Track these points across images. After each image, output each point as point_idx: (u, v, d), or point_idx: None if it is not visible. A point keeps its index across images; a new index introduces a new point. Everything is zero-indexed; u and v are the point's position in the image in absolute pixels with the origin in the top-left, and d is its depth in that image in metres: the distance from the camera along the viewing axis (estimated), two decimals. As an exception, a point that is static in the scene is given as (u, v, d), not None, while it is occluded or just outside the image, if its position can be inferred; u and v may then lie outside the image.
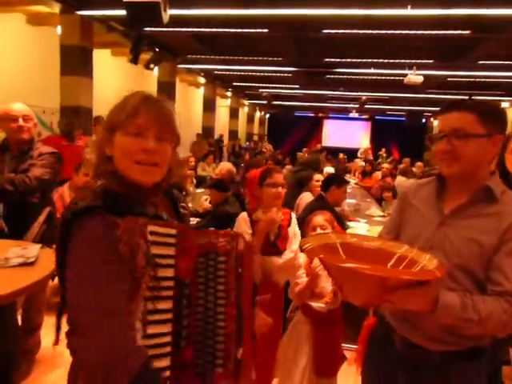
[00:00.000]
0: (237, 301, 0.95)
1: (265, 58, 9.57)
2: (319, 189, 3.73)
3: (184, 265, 0.91)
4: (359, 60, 8.98)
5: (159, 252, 0.88)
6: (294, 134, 20.81)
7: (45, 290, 2.59)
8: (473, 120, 1.17)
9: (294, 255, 2.16)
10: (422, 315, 1.13)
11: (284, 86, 13.81)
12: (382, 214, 4.98)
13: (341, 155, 12.66)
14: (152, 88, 10.33)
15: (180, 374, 0.88)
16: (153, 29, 6.75)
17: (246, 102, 19.92)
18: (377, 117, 21.18)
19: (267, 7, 5.78)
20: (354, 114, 19.48)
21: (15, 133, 2.47)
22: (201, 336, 0.91)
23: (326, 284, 2.07)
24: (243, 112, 20.24)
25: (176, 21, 5.34)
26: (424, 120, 18.66)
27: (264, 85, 14.21)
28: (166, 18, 4.36)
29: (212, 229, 3.68)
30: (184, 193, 5.06)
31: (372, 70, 9.55)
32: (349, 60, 9.12)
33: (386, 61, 8.79)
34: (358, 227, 4.08)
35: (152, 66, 8.83)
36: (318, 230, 2.17)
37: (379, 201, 6.06)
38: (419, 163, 9.57)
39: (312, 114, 22.26)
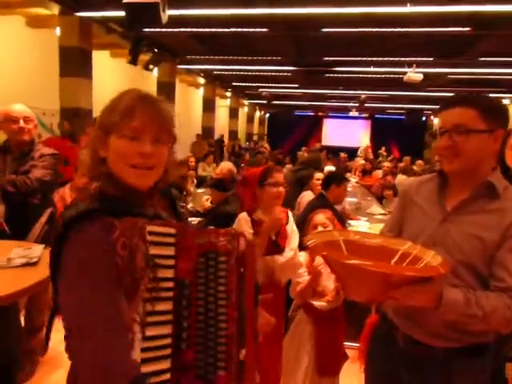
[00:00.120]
0: (238, 301, 0.93)
1: (264, 58, 9.57)
2: (320, 187, 3.73)
3: (184, 265, 0.90)
4: (359, 58, 8.98)
5: (159, 252, 0.87)
6: (294, 134, 20.81)
7: (48, 291, 2.59)
8: (474, 116, 1.16)
9: (294, 253, 2.16)
10: (425, 312, 1.13)
11: (283, 85, 13.81)
12: (382, 212, 4.99)
13: (342, 154, 12.65)
14: (152, 89, 10.32)
15: (180, 376, 0.87)
16: (152, 29, 6.75)
17: (246, 102, 19.92)
18: (377, 115, 21.18)
19: (266, 6, 5.78)
20: (354, 113, 19.48)
21: (16, 134, 2.48)
22: (202, 338, 0.90)
23: (328, 282, 2.08)
24: (243, 112, 20.24)
25: (175, 21, 5.34)
26: (424, 118, 18.67)
27: (263, 84, 14.21)
28: (164, 18, 4.36)
29: (212, 227, 3.68)
30: (185, 193, 5.06)
31: (372, 69, 9.55)
32: (348, 58, 9.11)
33: (385, 59, 8.79)
34: (359, 225, 4.08)
35: (151, 66, 8.83)
36: (319, 229, 2.17)
37: (380, 199, 6.06)
38: (420, 161, 9.57)
39: (312, 113, 22.26)
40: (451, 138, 1.18)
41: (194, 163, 6.90)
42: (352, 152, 13.81)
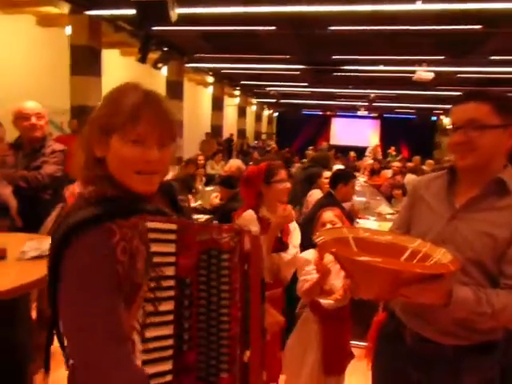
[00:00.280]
0: (242, 300, 0.90)
1: (272, 56, 9.56)
2: (328, 186, 3.72)
3: (185, 263, 0.87)
4: (367, 57, 8.93)
5: (159, 250, 0.84)
6: (302, 133, 20.77)
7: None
8: (489, 111, 1.16)
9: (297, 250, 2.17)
10: (434, 309, 1.13)
11: (292, 84, 13.79)
12: (391, 211, 4.96)
13: (351, 154, 12.60)
14: (160, 87, 10.38)
15: (182, 378, 0.85)
16: (161, 28, 6.79)
17: (254, 101, 19.92)
18: (385, 115, 21.04)
19: (274, 5, 5.77)
20: (363, 112, 19.37)
21: (28, 131, 2.51)
22: (204, 339, 0.87)
23: (336, 281, 2.07)
24: (251, 111, 20.25)
25: (184, 19, 5.36)
26: (434, 118, 18.51)
27: (272, 83, 14.21)
28: (174, 16, 4.39)
29: (215, 222, 3.70)
30: (193, 190, 5.08)
31: (381, 67, 9.49)
32: (357, 57, 9.07)
33: (394, 57, 8.72)
34: (368, 224, 4.06)
35: (160, 65, 8.88)
36: (328, 226, 2.17)
37: (389, 199, 6.03)
38: (430, 161, 9.49)
39: (320, 113, 22.19)
40: (466, 133, 1.17)
41: (202, 161, 6.93)
42: (361, 151, 13.74)
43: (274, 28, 6.95)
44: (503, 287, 1.12)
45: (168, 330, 0.84)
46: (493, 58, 8.27)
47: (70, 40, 6.93)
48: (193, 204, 4.64)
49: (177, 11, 4.45)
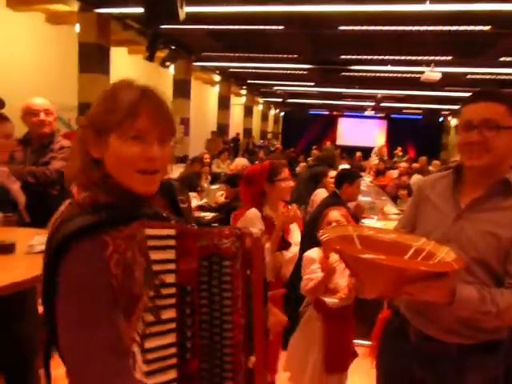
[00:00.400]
0: (245, 307, 0.88)
1: (280, 56, 9.56)
2: (333, 185, 3.72)
3: (185, 269, 0.84)
4: (375, 57, 8.90)
5: (159, 257, 0.81)
6: (308, 132, 20.74)
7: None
8: (504, 111, 1.16)
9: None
10: (438, 308, 1.13)
11: (299, 83, 13.78)
12: (397, 211, 4.95)
13: (358, 154, 12.57)
14: (168, 86, 10.43)
15: None
16: (169, 26, 6.81)
17: (261, 100, 19.93)
18: (392, 115, 20.95)
19: (283, 4, 5.77)
20: (370, 112, 19.30)
21: (37, 127, 2.54)
22: (207, 347, 0.85)
23: (341, 280, 2.08)
24: (257, 110, 20.26)
25: (192, 18, 5.38)
26: (441, 119, 18.40)
27: (279, 82, 14.20)
28: (182, 14, 4.41)
29: (215, 225, 3.70)
30: (199, 189, 5.11)
31: (388, 67, 9.45)
32: (365, 57, 9.04)
33: (403, 58, 8.69)
34: (373, 224, 4.06)
35: (168, 63, 8.92)
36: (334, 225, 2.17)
37: (394, 199, 6.01)
38: (436, 162, 9.44)
39: (327, 112, 22.14)
40: (481, 133, 1.16)
41: (208, 160, 6.96)
42: (367, 152, 13.70)
43: (282, 27, 6.95)
44: (508, 286, 1.12)
45: (170, 339, 0.82)
46: (503, 59, 8.20)
47: (79, 37, 6.98)
48: (198, 202, 4.67)
49: (185, 10, 4.47)
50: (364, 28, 6.70)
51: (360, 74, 10.62)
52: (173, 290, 0.82)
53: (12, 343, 1.80)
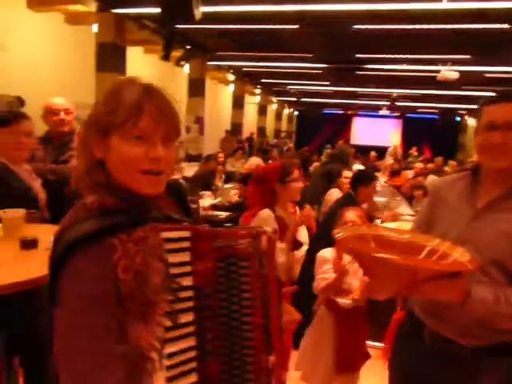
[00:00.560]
0: (263, 306, 0.87)
1: (295, 55, 9.55)
2: (348, 186, 3.71)
3: (202, 272, 0.83)
4: (391, 56, 8.81)
5: (174, 260, 0.80)
6: (322, 132, 20.65)
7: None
8: None
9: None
10: (453, 309, 1.13)
11: (313, 82, 13.72)
12: (411, 212, 4.91)
13: (372, 153, 12.46)
14: (183, 85, 10.51)
15: None
16: (184, 26, 6.87)
17: (275, 99, 19.91)
18: (408, 114, 20.71)
19: (297, 3, 5.76)
20: (385, 112, 19.11)
21: (57, 126, 2.60)
22: (227, 349, 0.84)
23: (354, 281, 2.08)
24: (271, 109, 20.25)
25: (207, 17, 5.42)
26: (458, 118, 18.10)
27: (293, 81, 14.17)
28: (198, 14, 4.44)
29: (228, 225, 3.70)
30: (213, 187, 5.15)
31: (404, 66, 9.35)
32: (380, 56, 8.96)
33: (419, 56, 8.58)
34: (387, 224, 4.03)
35: (183, 62, 8.99)
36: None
37: (409, 199, 5.95)
38: (452, 162, 9.31)
39: (341, 112, 22.00)
40: (504, 134, 1.15)
41: (222, 158, 7.00)
42: (382, 151, 13.59)
43: (296, 26, 6.93)
44: None
45: (190, 342, 0.81)
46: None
47: (97, 37, 7.09)
48: (212, 201, 4.71)
49: (201, 9, 4.50)
50: (379, 27, 6.64)
51: (375, 72, 10.52)
52: (190, 293, 0.82)
53: (31, 334, 1.85)
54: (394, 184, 7.81)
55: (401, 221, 4.40)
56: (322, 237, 2.69)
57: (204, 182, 5.23)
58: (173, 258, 0.80)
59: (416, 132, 18.70)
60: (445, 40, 7.43)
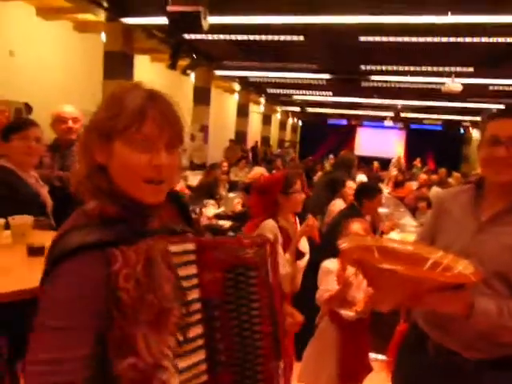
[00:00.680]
0: (271, 315, 0.87)
1: (300, 65, 9.63)
2: (352, 197, 3.70)
3: (209, 284, 0.82)
4: (396, 67, 8.88)
5: (181, 274, 0.79)
6: (326, 142, 20.70)
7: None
8: None
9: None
10: (457, 321, 1.14)
11: (318, 92, 13.82)
12: (415, 224, 4.91)
13: (375, 164, 12.46)
14: (188, 93, 10.61)
15: None
16: (192, 36, 6.96)
17: (279, 109, 20.02)
18: (412, 126, 20.75)
19: (304, 15, 5.84)
20: (389, 123, 19.17)
21: (65, 133, 2.64)
22: (238, 359, 0.84)
23: (357, 293, 2.07)
24: (275, 118, 20.35)
25: (214, 28, 5.49)
26: (462, 130, 18.14)
27: (298, 91, 14.27)
28: (206, 25, 4.51)
29: (233, 235, 3.70)
30: (217, 196, 5.16)
31: (408, 78, 9.41)
32: (385, 67, 9.03)
33: (423, 69, 8.64)
34: (391, 235, 4.03)
35: (189, 71, 9.08)
36: None
37: (413, 211, 5.95)
38: (457, 174, 9.30)
39: (345, 122, 22.08)
40: (508, 148, 1.16)
41: (226, 168, 7.02)
42: (386, 162, 13.59)
43: (302, 38, 7.01)
44: None
45: (200, 356, 0.80)
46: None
47: (105, 46, 7.20)
48: (216, 210, 4.72)
49: (208, 21, 4.57)
50: (384, 39, 6.71)
51: (380, 84, 10.59)
52: (198, 306, 0.81)
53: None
54: (398, 195, 7.81)
55: (405, 232, 4.40)
56: (325, 247, 2.69)
57: (208, 190, 5.25)
58: (179, 272, 0.79)
59: (420, 143, 18.72)
60: (449, 52, 7.49)
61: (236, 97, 14.60)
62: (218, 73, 11.25)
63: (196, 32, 4.81)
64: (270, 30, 6.74)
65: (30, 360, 0.69)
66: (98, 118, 0.82)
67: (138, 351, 0.71)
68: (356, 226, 2.21)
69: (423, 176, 8.33)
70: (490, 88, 9.98)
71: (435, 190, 6.81)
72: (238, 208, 4.45)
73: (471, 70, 8.40)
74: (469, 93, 9.76)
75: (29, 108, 6.53)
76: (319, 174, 8.20)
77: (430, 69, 8.61)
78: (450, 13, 5.17)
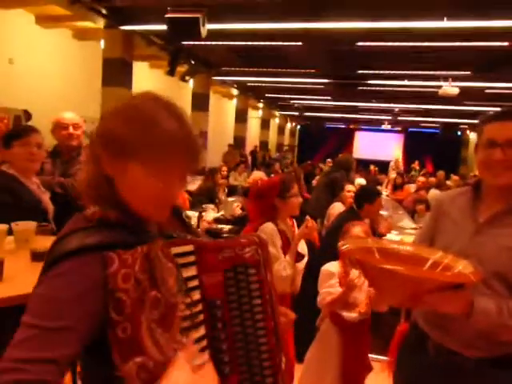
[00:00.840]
0: (272, 311, 0.88)
1: (298, 71, 9.69)
2: (351, 200, 3.72)
3: (211, 284, 0.83)
4: (393, 72, 8.94)
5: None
6: (325, 146, 20.77)
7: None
8: None
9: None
10: (457, 321, 1.15)
11: (316, 97, 13.88)
12: (414, 226, 4.93)
13: (372, 167, 12.50)
14: (187, 99, 10.65)
15: None
16: (190, 42, 7.01)
17: (277, 114, 20.09)
18: (410, 129, 20.84)
19: (302, 21, 5.89)
20: (387, 126, 19.25)
21: (66, 140, 2.65)
22: (244, 357, 0.84)
23: (360, 294, 2.08)
24: (274, 123, 20.42)
25: (212, 34, 5.53)
26: (459, 133, 18.22)
27: (296, 96, 14.34)
28: (204, 32, 4.55)
29: (230, 236, 3.73)
30: (216, 201, 5.18)
31: (406, 82, 9.47)
32: (383, 72, 9.09)
33: (420, 72, 8.71)
34: (390, 237, 4.05)
35: (187, 78, 9.13)
36: None
37: (411, 213, 5.96)
38: (455, 177, 9.34)
39: (343, 126, 22.16)
40: (504, 151, 1.18)
41: (226, 172, 7.05)
42: (384, 165, 13.63)
43: (300, 43, 7.06)
44: None
45: (203, 358, 0.79)
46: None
47: (103, 53, 7.24)
48: (215, 214, 4.73)
49: (207, 27, 4.61)
50: (381, 44, 6.76)
51: (377, 88, 10.66)
52: (200, 307, 0.81)
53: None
54: (397, 198, 7.83)
55: (403, 234, 4.42)
56: (325, 250, 2.71)
57: (207, 195, 5.27)
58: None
59: (418, 146, 18.81)
60: (445, 57, 7.55)
61: (234, 102, 14.65)
62: (217, 78, 11.30)
63: (195, 38, 4.84)
64: (268, 36, 6.79)
65: (5, 357, 0.66)
66: (114, 131, 0.77)
67: (145, 350, 0.71)
68: (357, 229, 2.22)
69: (421, 179, 8.36)
70: (487, 91, 10.05)
71: (433, 193, 6.84)
72: (238, 212, 4.47)
73: (468, 73, 8.47)
74: (465, 96, 9.83)
75: (28, 115, 6.56)
76: (318, 178, 8.23)
77: (426, 73, 8.67)
78: (445, 18, 5.23)
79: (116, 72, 7.17)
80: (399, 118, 16.28)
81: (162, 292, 0.74)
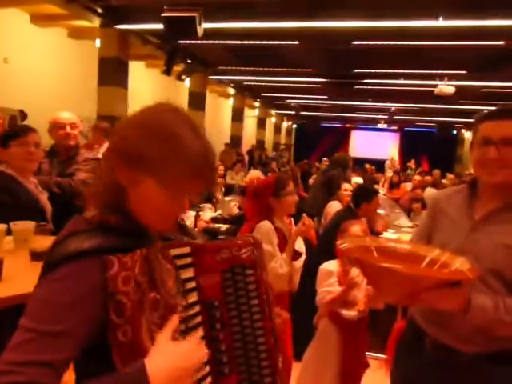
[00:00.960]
0: (269, 310, 0.89)
1: (294, 70, 9.70)
2: (348, 198, 3.74)
3: (208, 286, 0.84)
4: (389, 71, 8.97)
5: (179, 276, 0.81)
6: (321, 145, 20.80)
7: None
8: None
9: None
10: (454, 317, 1.16)
11: (312, 96, 13.89)
12: (410, 224, 4.95)
13: (367, 166, 12.53)
14: (183, 98, 10.64)
15: None
16: (187, 41, 7.00)
17: (274, 113, 20.09)
18: (406, 128, 20.91)
19: (298, 20, 5.89)
20: (383, 125, 19.30)
21: (63, 139, 2.65)
22: (243, 357, 0.85)
23: (358, 292, 2.09)
24: (270, 122, 20.42)
25: (209, 33, 5.53)
26: (455, 132, 18.29)
27: (292, 95, 14.34)
28: (200, 31, 4.55)
29: (224, 237, 3.73)
30: (214, 200, 5.18)
31: (402, 81, 9.51)
32: (379, 71, 9.12)
33: (416, 71, 8.74)
34: (387, 235, 4.07)
35: (184, 77, 9.11)
36: None
37: (408, 212, 5.99)
38: (450, 175, 9.38)
39: (340, 125, 22.19)
40: (498, 150, 1.18)
41: (222, 171, 7.04)
42: (380, 164, 13.67)
43: (297, 42, 7.07)
44: None
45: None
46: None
47: (99, 52, 7.21)
48: (212, 213, 4.74)
49: (203, 26, 4.61)
50: (377, 43, 6.78)
51: (373, 87, 10.68)
52: (197, 309, 0.82)
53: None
54: (394, 196, 7.86)
55: (400, 233, 4.44)
56: (323, 249, 2.72)
57: (204, 194, 5.26)
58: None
59: (414, 145, 18.84)
60: (441, 56, 7.58)
61: (231, 101, 14.64)
62: (213, 77, 11.28)
63: (191, 37, 4.84)
64: (264, 35, 6.79)
65: (1, 360, 0.66)
66: (131, 142, 0.75)
67: (145, 352, 0.71)
68: (355, 228, 2.23)
69: (417, 177, 8.39)
70: (482, 90, 10.10)
71: (429, 191, 6.87)
72: (235, 211, 4.48)
73: (463, 72, 8.51)
74: (461, 95, 9.87)
75: (23, 115, 6.53)
76: (315, 177, 8.25)
77: (422, 72, 8.71)
78: (441, 17, 5.25)
79: (112, 71, 7.15)
80: (395, 117, 16.32)
81: (161, 293, 0.75)
